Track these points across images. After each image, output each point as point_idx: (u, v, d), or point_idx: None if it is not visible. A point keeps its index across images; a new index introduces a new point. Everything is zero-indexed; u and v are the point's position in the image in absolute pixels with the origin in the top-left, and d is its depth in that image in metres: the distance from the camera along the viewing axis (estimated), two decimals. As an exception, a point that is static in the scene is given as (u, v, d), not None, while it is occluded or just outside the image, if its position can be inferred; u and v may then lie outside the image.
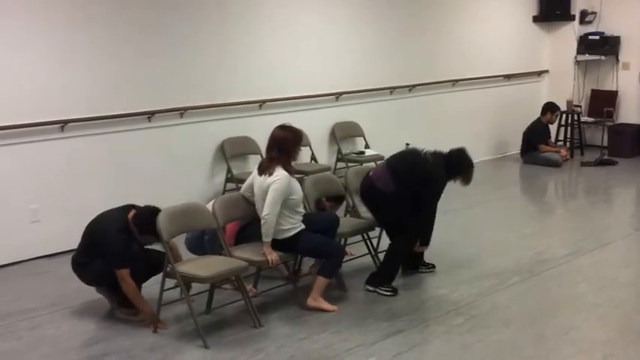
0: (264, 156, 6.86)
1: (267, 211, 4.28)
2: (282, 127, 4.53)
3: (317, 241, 4.49)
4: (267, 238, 4.32)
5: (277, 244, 4.39)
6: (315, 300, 4.47)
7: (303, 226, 4.48)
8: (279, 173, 4.32)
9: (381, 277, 4.82)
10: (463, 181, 4.89)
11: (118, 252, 4.15)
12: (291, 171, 4.43)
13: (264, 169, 4.40)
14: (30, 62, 5.47)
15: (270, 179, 4.32)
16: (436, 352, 3.98)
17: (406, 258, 4.95)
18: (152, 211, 4.23)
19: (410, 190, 4.72)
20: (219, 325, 4.29)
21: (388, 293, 4.75)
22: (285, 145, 4.42)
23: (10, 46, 5.36)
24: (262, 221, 4.31)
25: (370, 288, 4.81)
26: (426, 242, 4.96)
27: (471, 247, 5.81)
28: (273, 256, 4.33)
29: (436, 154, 4.86)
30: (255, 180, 4.47)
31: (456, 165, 4.85)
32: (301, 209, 4.53)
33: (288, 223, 4.40)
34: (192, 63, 6.43)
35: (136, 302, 4.23)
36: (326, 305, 4.47)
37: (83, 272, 4.40)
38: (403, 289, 4.89)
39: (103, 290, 4.46)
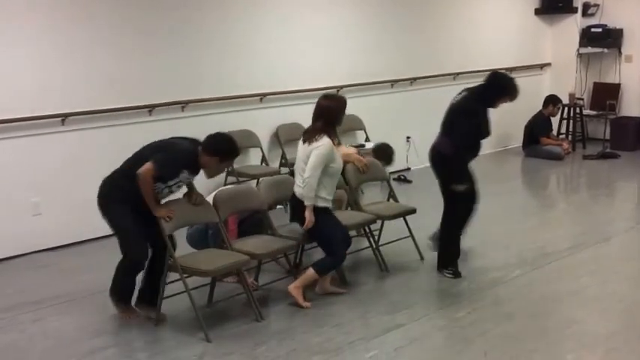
0: (264, 149, 6.96)
1: (308, 173, 4.37)
2: (326, 97, 4.66)
3: (331, 231, 4.49)
4: (308, 202, 4.40)
5: (300, 208, 4.44)
6: (296, 289, 4.47)
7: (329, 206, 4.54)
8: (324, 140, 4.41)
9: (444, 259, 4.94)
10: (508, 99, 4.94)
11: (175, 158, 4.05)
12: (334, 140, 4.51)
13: (309, 137, 4.48)
14: (31, 56, 5.47)
15: (314, 144, 4.41)
16: (437, 346, 3.98)
17: (459, 231, 4.99)
18: (220, 132, 4.23)
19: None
20: (220, 319, 4.29)
21: (449, 275, 4.88)
22: (330, 113, 4.51)
23: (11, 40, 5.36)
24: (303, 184, 4.40)
25: (440, 269, 4.97)
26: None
27: (473, 240, 5.77)
28: (311, 223, 4.38)
29: (469, 90, 4.95)
30: (299, 148, 4.55)
31: (492, 89, 4.88)
32: (334, 185, 4.59)
33: (322, 191, 4.46)
34: (193, 56, 6.41)
35: (150, 201, 4.05)
36: (301, 299, 4.45)
37: (109, 190, 4.16)
38: (404, 283, 4.90)
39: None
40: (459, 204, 4.88)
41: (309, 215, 4.41)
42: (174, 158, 4.10)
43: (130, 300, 4.35)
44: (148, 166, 4.01)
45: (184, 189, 4.34)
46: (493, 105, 4.87)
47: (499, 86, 4.87)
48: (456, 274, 4.91)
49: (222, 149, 4.19)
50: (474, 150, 4.89)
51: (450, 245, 4.95)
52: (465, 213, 4.94)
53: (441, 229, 5.03)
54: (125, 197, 4.09)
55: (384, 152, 5.76)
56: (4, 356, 3.91)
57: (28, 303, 4.59)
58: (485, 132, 4.85)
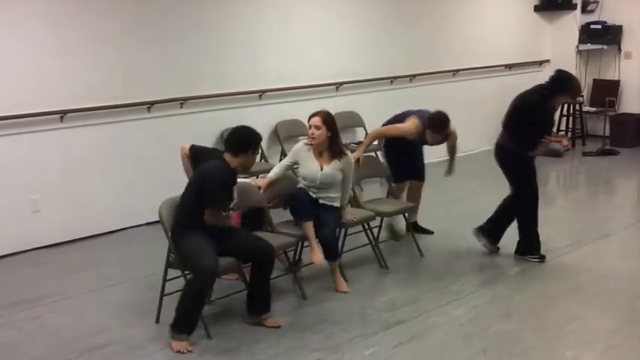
0: (263, 146, 6.94)
1: None
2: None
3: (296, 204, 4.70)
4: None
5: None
6: (332, 276, 4.69)
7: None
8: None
9: (525, 245, 5.12)
10: (569, 97, 5.07)
11: (219, 192, 4.06)
12: (311, 148, 4.68)
13: None
14: (30, 53, 5.45)
15: None
16: (437, 343, 3.97)
17: (534, 219, 5.12)
18: (236, 129, 4.24)
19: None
20: (221, 315, 4.29)
21: (536, 260, 5.10)
22: None
23: (9, 36, 5.34)
24: None
25: (518, 256, 5.18)
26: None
27: (472, 237, 5.78)
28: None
29: (534, 87, 5.01)
30: None
31: (554, 85, 4.91)
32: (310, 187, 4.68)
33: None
34: (192, 53, 6.40)
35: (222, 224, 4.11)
36: (339, 285, 4.65)
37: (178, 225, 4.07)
38: (403, 280, 4.90)
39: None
40: (527, 194, 5.09)
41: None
42: (221, 197, 4.09)
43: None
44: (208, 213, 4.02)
45: None
46: (553, 101, 4.95)
47: (562, 83, 4.92)
48: (542, 258, 5.12)
49: (250, 143, 4.19)
50: (535, 143, 4.97)
51: (531, 233, 5.12)
52: (534, 200, 5.12)
53: (518, 220, 5.18)
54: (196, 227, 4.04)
55: (439, 124, 5.60)
56: (2, 354, 3.90)
57: (27, 300, 4.58)
58: (547, 127, 4.98)
